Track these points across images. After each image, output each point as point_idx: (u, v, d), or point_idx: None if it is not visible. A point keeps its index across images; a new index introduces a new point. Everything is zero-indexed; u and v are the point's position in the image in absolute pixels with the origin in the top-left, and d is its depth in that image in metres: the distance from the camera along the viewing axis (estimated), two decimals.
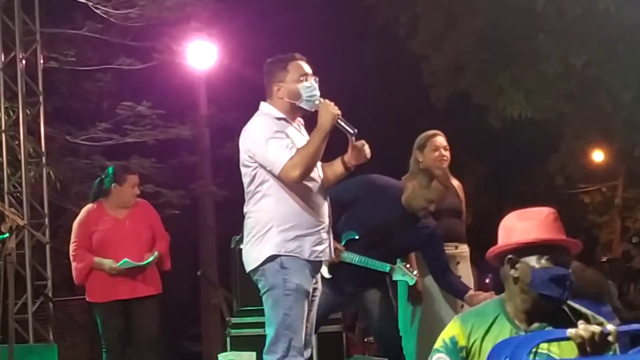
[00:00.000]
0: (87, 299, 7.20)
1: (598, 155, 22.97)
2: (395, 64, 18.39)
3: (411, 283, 6.10)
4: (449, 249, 6.40)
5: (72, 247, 7.13)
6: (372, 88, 19.58)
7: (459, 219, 6.60)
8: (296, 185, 4.85)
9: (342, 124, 4.90)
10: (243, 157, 4.95)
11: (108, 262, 7.01)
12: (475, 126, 17.41)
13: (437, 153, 6.53)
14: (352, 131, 4.94)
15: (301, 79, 4.96)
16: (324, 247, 4.97)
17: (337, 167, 5.10)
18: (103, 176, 7.33)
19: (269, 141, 4.82)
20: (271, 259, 4.83)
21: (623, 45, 12.20)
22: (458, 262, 6.49)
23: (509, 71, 13.70)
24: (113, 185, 7.19)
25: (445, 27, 14.28)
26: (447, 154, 6.56)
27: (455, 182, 6.72)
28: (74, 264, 7.12)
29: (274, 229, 4.84)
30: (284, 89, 4.98)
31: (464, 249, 6.59)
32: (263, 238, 4.87)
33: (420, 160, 6.54)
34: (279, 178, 4.82)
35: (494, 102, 14.18)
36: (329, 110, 4.85)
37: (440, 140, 6.58)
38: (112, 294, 7.07)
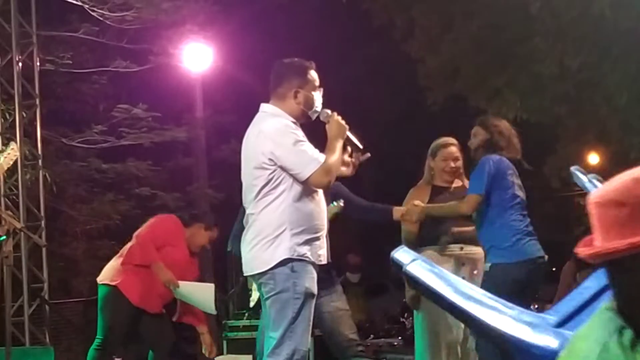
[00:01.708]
0: (118, 286, 7.13)
1: (593, 158, 22.99)
2: (390, 67, 18.40)
3: (336, 210, 6.17)
4: (453, 250, 6.44)
5: (149, 234, 7.18)
6: (367, 91, 19.58)
7: (466, 220, 6.58)
8: (307, 190, 4.89)
9: (351, 138, 5.03)
10: (260, 159, 4.89)
11: (171, 279, 7.11)
12: (471, 129, 17.41)
13: (445, 163, 6.60)
14: (360, 146, 5.05)
15: (317, 88, 5.04)
16: (323, 250, 5.01)
17: None
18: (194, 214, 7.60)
19: (297, 145, 4.85)
20: (283, 262, 4.82)
21: (618, 48, 12.21)
22: (463, 264, 6.48)
23: (505, 74, 13.71)
24: (198, 225, 7.45)
25: (440, 30, 14.29)
26: (457, 164, 6.64)
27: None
28: (144, 246, 7.15)
29: (287, 232, 4.84)
30: (303, 95, 5.00)
31: (471, 250, 6.54)
32: (275, 241, 4.85)
33: (432, 166, 6.67)
34: (304, 182, 4.85)
35: (489, 105, 14.18)
36: (341, 124, 4.96)
37: (452, 150, 6.65)
38: (147, 304, 7.19)
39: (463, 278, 6.37)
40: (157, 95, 14.10)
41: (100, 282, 7.28)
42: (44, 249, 10.36)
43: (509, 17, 13.03)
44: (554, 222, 27.19)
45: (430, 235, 6.50)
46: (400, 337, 10.47)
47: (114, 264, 7.33)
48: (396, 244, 7.31)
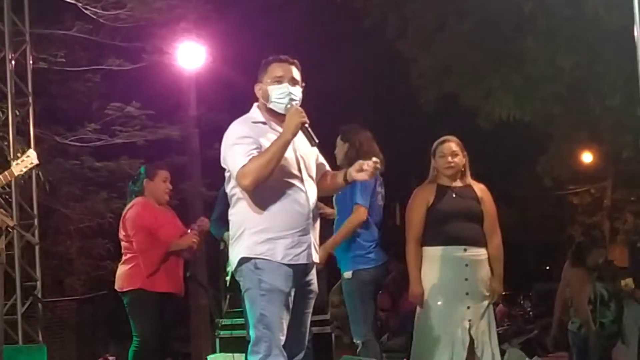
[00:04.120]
0: (143, 287, 7.09)
1: (587, 157, 23.00)
2: (383, 66, 18.41)
3: None
4: (457, 251, 6.45)
5: (140, 238, 7.13)
6: (360, 90, 19.60)
7: (473, 222, 6.55)
8: (276, 187, 4.84)
9: (306, 132, 4.87)
10: (221, 159, 4.98)
11: (190, 241, 7.26)
12: (464, 128, 17.40)
13: (443, 160, 6.61)
14: (314, 141, 4.91)
15: (275, 81, 4.96)
16: (301, 250, 4.90)
17: (339, 177, 5.10)
18: (135, 177, 7.51)
19: (234, 147, 4.84)
20: (244, 260, 4.85)
21: (611, 47, 12.22)
22: (466, 265, 6.48)
23: (498, 73, 13.73)
24: (145, 180, 7.34)
25: (433, 29, 14.31)
26: (455, 159, 6.61)
27: (479, 186, 6.74)
28: (146, 255, 7.12)
29: (246, 232, 4.86)
30: (260, 89, 5.04)
31: (476, 252, 6.51)
32: (238, 241, 4.90)
33: (435, 166, 6.70)
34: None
35: (482, 104, 14.21)
36: (295, 117, 4.81)
37: (448, 146, 6.65)
38: (172, 286, 7.22)
39: (466, 280, 6.44)
40: (150, 94, 14.09)
41: (123, 290, 7.22)
42: (37, 247, 10.34)
43: (502, 16, 13.06)
44: (547, 221, 27.24)
45: (433, 235, 6.50)
46: None
47: (126, 270, 7.23)
48: (394, 243, 7.37)
